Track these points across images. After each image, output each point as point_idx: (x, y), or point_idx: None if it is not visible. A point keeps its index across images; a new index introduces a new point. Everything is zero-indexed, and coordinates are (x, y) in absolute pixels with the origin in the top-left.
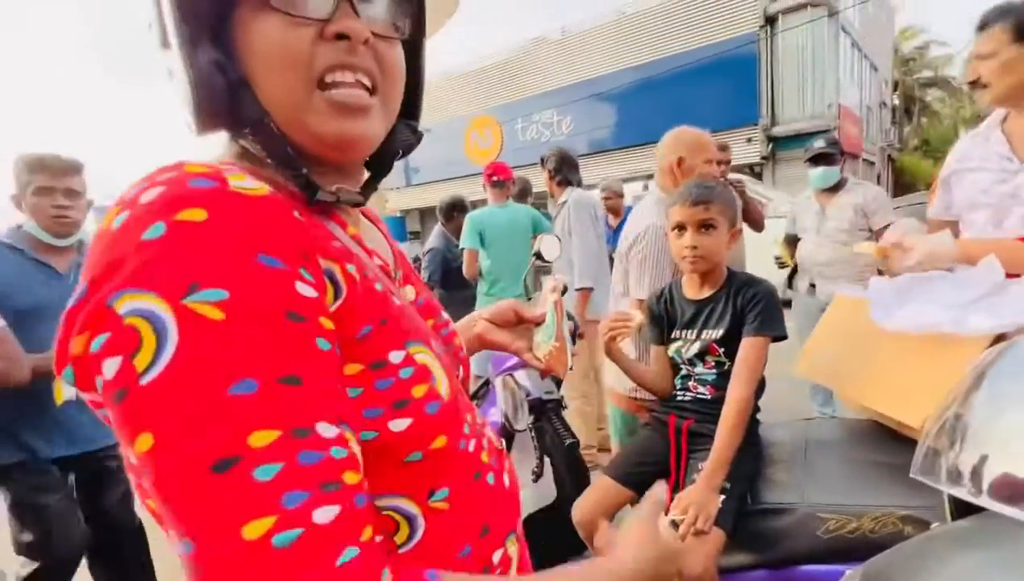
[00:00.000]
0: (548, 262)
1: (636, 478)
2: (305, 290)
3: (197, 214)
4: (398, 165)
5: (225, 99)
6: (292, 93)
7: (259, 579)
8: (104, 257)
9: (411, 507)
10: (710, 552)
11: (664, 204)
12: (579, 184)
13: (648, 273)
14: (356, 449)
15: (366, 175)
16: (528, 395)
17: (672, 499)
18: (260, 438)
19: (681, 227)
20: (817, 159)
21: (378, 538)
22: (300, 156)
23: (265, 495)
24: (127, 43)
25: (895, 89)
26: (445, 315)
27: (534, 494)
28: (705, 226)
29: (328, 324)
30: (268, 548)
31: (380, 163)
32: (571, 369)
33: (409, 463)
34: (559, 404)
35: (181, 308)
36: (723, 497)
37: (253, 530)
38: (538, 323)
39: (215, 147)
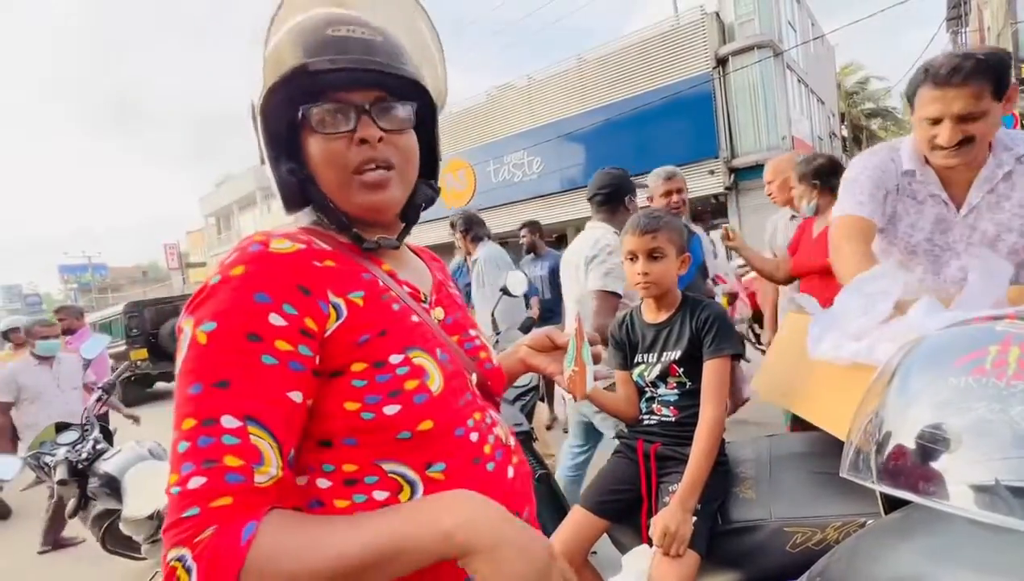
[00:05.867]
0: (515, 296)
1: (609, 506)
2: (276, 320)
3: (238, 270)
4: None
5: (298, 191)
6: (338, 182)
7: (167, 510)
8: (197, 290)
9: (412, 474)
10: (686, 576)
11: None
12: (488, 237)
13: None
14: (259, 441)
15: (402, 226)
16: None
17: (647, 524)
18: (187, 423)
19: (633, 256)
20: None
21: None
22: (352, 220)
23: (178, 461)
24: (99, 96)
25: (842, 120)
26: (473, 332)
27: None
28: (654, 254)
29: (283, 345)
30: (171, 494)
31: (408, 216)
32: (592, 388)
33: (401, 440)
34: (529, 436)
35: (194, 333)
36: (695, 519)
37: (171, 480)
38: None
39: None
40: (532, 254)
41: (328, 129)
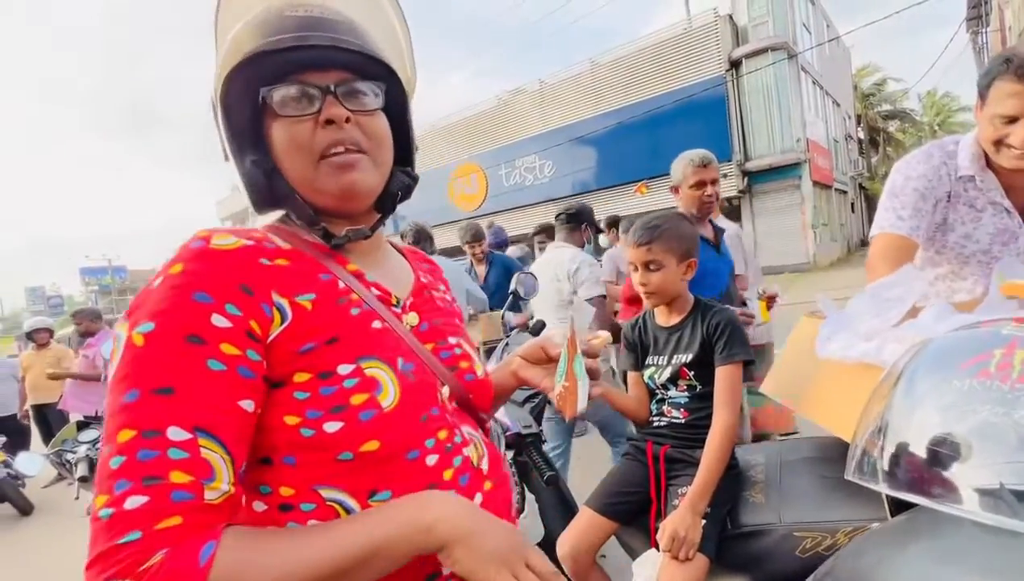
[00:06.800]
0: (525, 298)
1: (618, 508)
2: (219, 321)
3: (177, 268)
4: None
5: (265, 185)
6: (305, 168)
7: (91, 538)
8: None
9: (352, 503)
10: (696, 579)
11: None
12: (433, 252)
13: None
14: (210, 455)
15: (376, 217)
16: (507, 430)
17: (655, 527)
18: (123, 435)
19: (634, 266)
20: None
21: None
22: (322, 213)
23: (109, 478)
24: (118, 101)
25: (859, 122)
26: (454, 340)
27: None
28: (650, 265)
29: (230, 349)
30: (97, 518)
31: (384, 206)
32: (584, 409)
33: (341, 461)
34: (538, 438)
35: (129, 336)
36: (704, 522)
37: (98, 501)
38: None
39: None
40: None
41: (291, 112)
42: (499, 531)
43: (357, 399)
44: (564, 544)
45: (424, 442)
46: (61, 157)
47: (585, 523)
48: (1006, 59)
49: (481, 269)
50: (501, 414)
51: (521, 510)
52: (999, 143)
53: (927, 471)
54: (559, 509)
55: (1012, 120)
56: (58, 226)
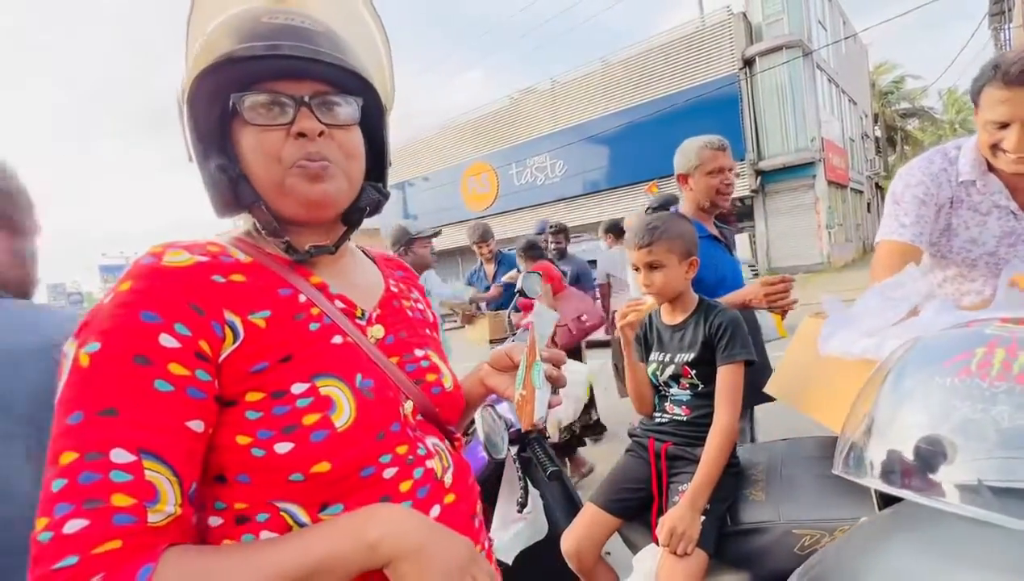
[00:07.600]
0: (531, 298)
1: (622, 504)
2: (167, 341)
3: (126, 285)
4: (396, 213)
5: (229, 191)
6: (273, 177)
7: (31, 562)
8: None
9: (302, 515)
10: (694, 574)
11: None
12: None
13: None
14: (155, 476)
15: (342, 230)
16: (510, 426)
17: (656, 523)
18: (66, 458)
19: (636, 267)
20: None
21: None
22: (288, 222)
23: (50, 501)
24: (133, 101)
25: (876, 121)
26: (420, 353)
27: (527, 528)
28: (652, 265)
29: (178, 370)
30: (36, 541)
31: (351, 219)
32: (542, 419)
33: (293, 482)
34: (541, 433)
35: (76, 355)
36: (703, 518)
37: (39, 524)
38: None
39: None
40: (560, 257)
41: (261, 121)
42: (449, 546)
43: (309, 419)
44: (569, 540)
45: (379, 458)
46: (70, 156)
47: (589, 519)
48: (994, 65)
49: (490, 268)
50: (505, 410)
51: (524, 504)
52: (995, 148)
53: (911, 466)
54: (563, 505)
55: (1004, 125)
56: (72, 223)
